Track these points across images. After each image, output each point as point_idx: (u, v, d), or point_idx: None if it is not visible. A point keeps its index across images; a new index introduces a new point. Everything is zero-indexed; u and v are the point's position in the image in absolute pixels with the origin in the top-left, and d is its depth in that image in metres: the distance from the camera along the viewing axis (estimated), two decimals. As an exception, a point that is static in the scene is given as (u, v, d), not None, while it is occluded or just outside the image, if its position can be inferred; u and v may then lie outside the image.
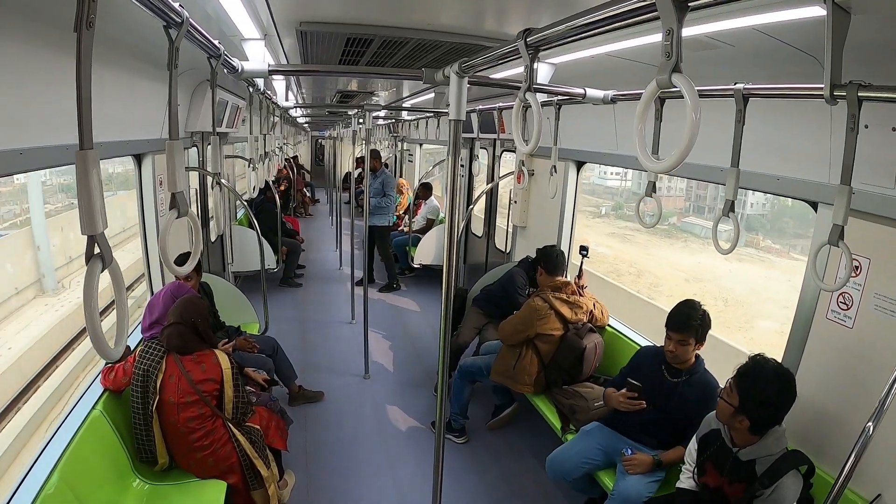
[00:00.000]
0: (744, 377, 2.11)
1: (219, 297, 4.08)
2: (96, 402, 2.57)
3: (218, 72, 1.89)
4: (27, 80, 1.91)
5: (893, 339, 1.99)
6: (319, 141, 22.58)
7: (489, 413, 4.17)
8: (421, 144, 10.11)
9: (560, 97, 2.88)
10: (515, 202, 5.34)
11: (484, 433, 4.05)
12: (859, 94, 1.32)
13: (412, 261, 7.19)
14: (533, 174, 5.08)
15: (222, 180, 3.63)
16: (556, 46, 1.31)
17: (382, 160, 6.47)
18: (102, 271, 0.88)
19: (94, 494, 2.29)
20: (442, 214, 8.33)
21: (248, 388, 3.33)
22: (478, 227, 7.03)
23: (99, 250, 0.87)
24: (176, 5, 1.12)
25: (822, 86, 1.32)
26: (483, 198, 6.52)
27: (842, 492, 1.55)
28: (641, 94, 2.01)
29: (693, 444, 2.43)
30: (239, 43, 2.45)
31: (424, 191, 8.13)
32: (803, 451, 2.10)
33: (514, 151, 5.51)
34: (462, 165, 6.92)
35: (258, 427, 2.86)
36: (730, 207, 1.82)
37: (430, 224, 7.92)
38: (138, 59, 2.73)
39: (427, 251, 7.20)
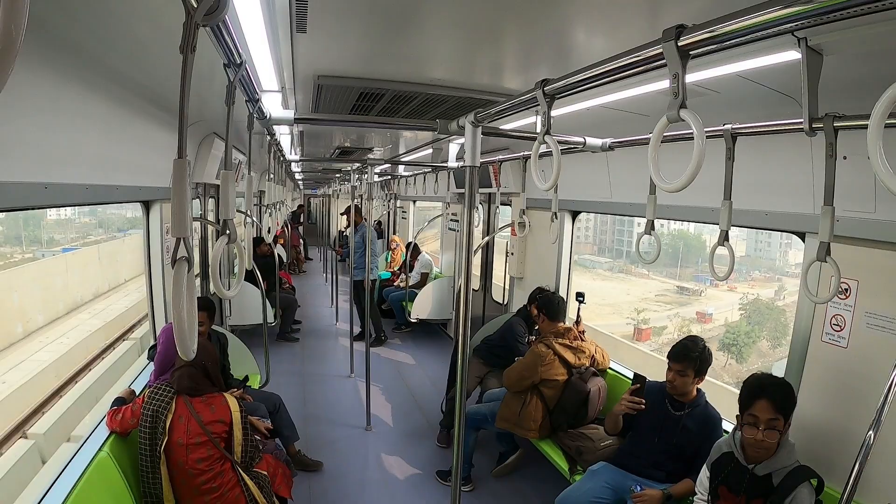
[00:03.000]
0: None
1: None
2: (103, 444, 2.54)
3: (251, 117, 2.00)
4: (54, 117, 2.01)
5: (887, 353, 2.10)
6: (311, 199, 22.86)
7: (494, 461, 4.15)
8: (415, 201, 10.31)
9: (561, 146, 3.04)
10: (512, 254, 5.47)
11: (489, 481, 4.02)
12: (835, 125, 1.49)
13: (409, 315, 7.23)
14: (529, 226, 5.23)
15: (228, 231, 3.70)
16: (567, 95, 1.45)
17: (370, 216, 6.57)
18: (189, 272, 0.95)
19: None
20: (436, 269, 8.44)
21: (255, 435, 3.32)
22: (474, 282, 7.12)
23: (186, 253, 0.94)
24: (239, 46, 1.25)
25: (802, 121, 1.48)
26: (479, 252, 6.65)
27: (850, 502, 1.60)
28: (636, 140, 2.18)
29: (704, 473, 2.46)
30: (261, 94, 2.60)
31: (414, 252, 8.21)
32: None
33: (510, 205, 5.68)
34: (457, 220, 7.08)
35: (266, 473, 2.84)
36: (724, 237, 1.95)
37: (424, 279, 8.01)
38: (155, 107, 2.85)
39: (424, 305, 7.26)
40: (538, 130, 1.57)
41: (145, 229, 3.71)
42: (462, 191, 6.33)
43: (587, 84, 1.33)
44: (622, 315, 29.14)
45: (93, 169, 2.53)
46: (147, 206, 3.66)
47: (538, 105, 1.53)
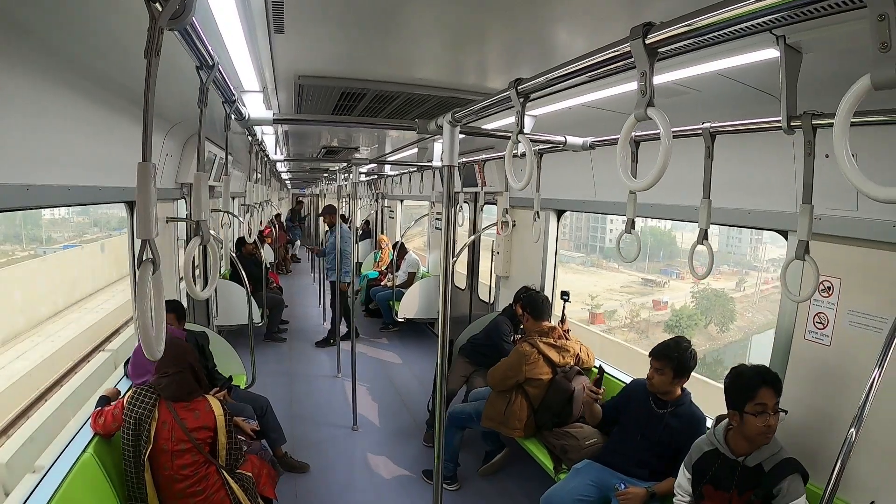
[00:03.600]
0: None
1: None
2: (87, 446, 2.52)
3: (228, 118, 1.99)
4: (36, 119, 2.00)
5: (869, 351, 2.13)
6: (299, 198, 22.79)
7: (480, 460, 4.15)
8: (402, 201, 10.30)
9: (542, 145, 3.06)
10: (498, 253, 5.47)
11: (475, 480, 4.02)
12: (813, 123, 1.50)
13: (396, 315, 7.22)
14: (515, 225, 5.24)
15: (211, 232, 3.70)
16: (542, 95, 1.46)
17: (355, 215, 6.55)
18: (154, 274, 0.94)
19: None
20: (423, 269, 8.43)
21: (239, 436, 3.30)
22: (460, 281, 7.13)
23: (151, 255, 0.93)
24: (210, 48, 1.24)
25: (780, 119, 1.49)
26: (465, 251, 6.66)
27: (832, 498, 1.62)
28: (617, 138, 2.20)
29: (684, 475, 2.48)
30: (239, 94, 2.59)
31: (401, 252, 8.21)
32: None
33: (495, 203, 5.69)
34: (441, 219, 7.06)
35: (250, 474, 2.83)
36: (703, 236, 1.97)
37: (411, 278, 8.00)
38: (138, 108, 2.81)
39: (410, 305, 7.24)
40: (513, 130, 1.57)
41: (129, 231, 3.69)
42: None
43: (558, 83, 1.34)
44: (582, 303, 31.40)
45: (76, 170, 2.52)
46: (132, 206, 3.63)
47: (513, 105, 1.53)
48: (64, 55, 1.90)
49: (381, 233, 10.54)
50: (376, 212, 11.19)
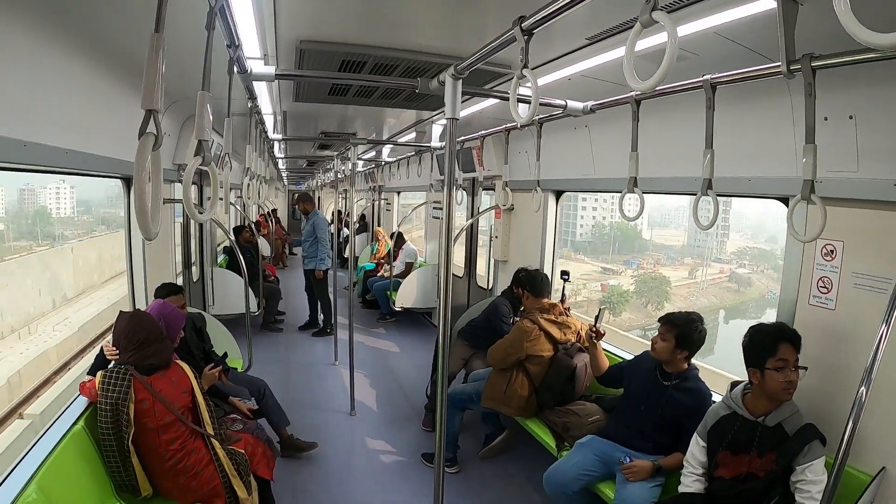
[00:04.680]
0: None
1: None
2: (79, 418, 2.43)
3: (232, 63, 1.96)
4: (33, 74, 1.96)
5: (874, 312, 2.10)
6: (295, 195, 22.77)
7: (480, 443, 4.12)
8: (399, 192, 10.27)
9: (541, 117, 3.04)
10: (497, 237, 5.45)
11: (475, 462, 3.99)
12: (812, 65, 1.51)
13: (394, 305, 7.20)
14: (513, 209, 5.22)
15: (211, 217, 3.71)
16: (547, 22, 1.44)
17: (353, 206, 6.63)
18: (155, 149, 0.91)
19: None
20: (421, 259, 8.41)
21: (235, 416, 3.26)
22: (457, 269, 7.10)
23: (154, 129, 0.90)
24: None
25: (780, 64, 1.52)
26: (463, 239, 6.64)
27: (845, 460, 1.58)
28: (618, 100, 2.20)
29: (698, 444, 2.45)
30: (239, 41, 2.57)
31: (399, 240, 8.21)
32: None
33: (492, 190, 5.66)
34: (441, 208, 7.05)
35: (243, 451, 2.76)
36: (707, 185, 2.00)
37: (409, 268, 7.98)
38: (136, 82, 2.79)
39: (408, 294, 7.23)
40: (519, 66, 1.57)
41: (126, 207, 3.66)
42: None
43: (563, 11, 1.33)
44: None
45: (73, 135, 2.48)
46: (128, 183, 3.60)
47: (516, 42, 1.53)
48: (65, 14, 1.88)
49: (378, 225, 10.54)
50: (373, 204, 11.18)
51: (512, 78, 1.64)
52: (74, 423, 2.40)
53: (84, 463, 2.35)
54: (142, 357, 2.55)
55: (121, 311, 2.70)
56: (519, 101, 1.71)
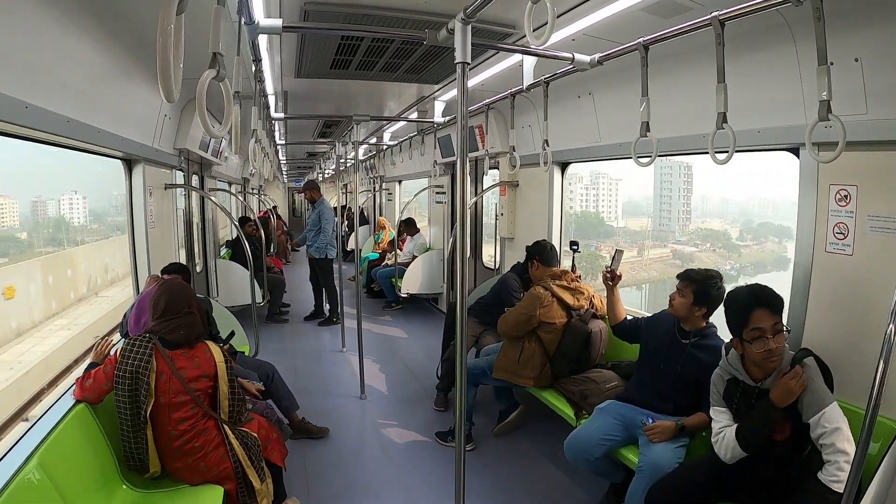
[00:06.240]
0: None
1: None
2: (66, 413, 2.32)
3: (237, 6, 1.91)
4: (38, 37, 1.93)
5: (893, 254, 2.09)
6: (294, 193, 22.79)
7: (494, 421, 4.06)
8: (400, 181, 10.21)
9: (548, 76, 2.99)
10: (502, 214, 5.39)
11: (490, 440, 3.93)
12: None
13: (399, 291, 7.14)
14: (518, 185, 5.16)
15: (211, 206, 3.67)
16: None
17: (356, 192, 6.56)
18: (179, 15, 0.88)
19: (77, 494, 2.08)
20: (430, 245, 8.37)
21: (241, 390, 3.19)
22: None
23: None
24: None
25: None
26: (468, 219, 6.57)
27: (877, 408, 1.50)
28: (624, 49, 2.20)
29: (721, 410, 2.32)
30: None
31: (409, 227, 8.15)
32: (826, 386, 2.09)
33: (497, 168, 5.61)
34: (443, 192, 7.01)
35: (255, 435, 2.65)
36: (723, 119, 2.01)
37: (415, 259, 7.91)
38: (144, 59, 2.77)
39: (413, 280, 7.19)
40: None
41: (127, 190, 3.62)
42: (448, 160, 6.29)
43: None
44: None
45: (76, 105, 2.44)
46: (130, 165, 3.55)
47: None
48: None
49: (381, 215, 10.50)
50: (374, 195, 11.15)
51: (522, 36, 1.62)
52: (78, 401, 2.35)
53: (86, 441, 2.30)
54: (164, 329, 2.48)
55: (151, 275, 2.65)
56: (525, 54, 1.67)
